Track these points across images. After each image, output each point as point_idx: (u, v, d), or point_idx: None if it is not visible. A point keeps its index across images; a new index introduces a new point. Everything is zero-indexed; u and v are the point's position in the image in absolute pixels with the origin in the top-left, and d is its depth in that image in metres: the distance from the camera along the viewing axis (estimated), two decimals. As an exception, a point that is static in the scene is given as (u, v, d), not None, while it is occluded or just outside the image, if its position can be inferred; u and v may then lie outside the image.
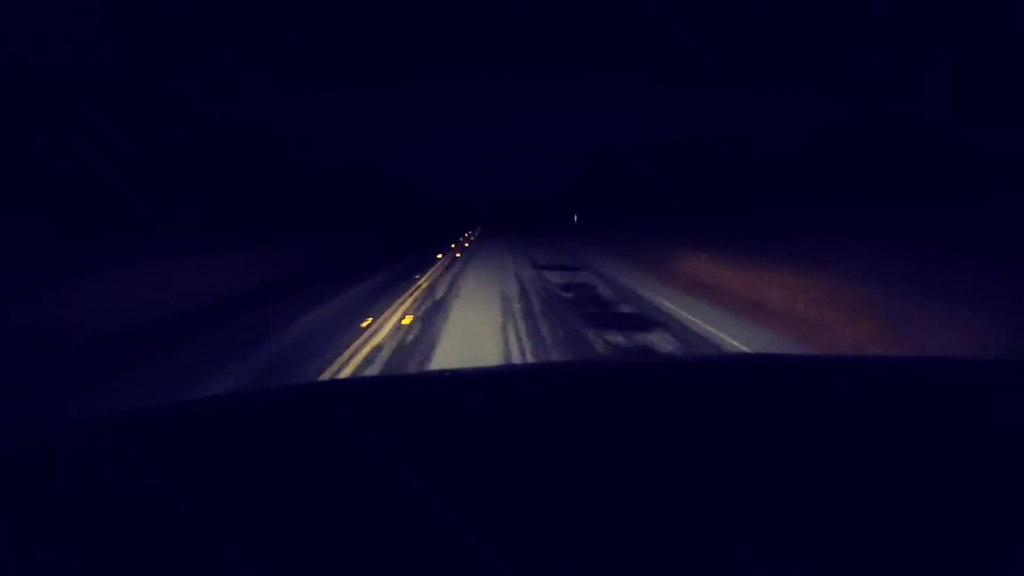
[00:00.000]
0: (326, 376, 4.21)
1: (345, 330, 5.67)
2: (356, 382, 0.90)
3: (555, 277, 10.33)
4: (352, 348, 4.92)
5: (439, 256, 15.40)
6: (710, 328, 5.62)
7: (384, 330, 5.67)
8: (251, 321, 6.42)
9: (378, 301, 7.51)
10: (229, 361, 4.57)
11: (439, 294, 8.23)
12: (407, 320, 6.20)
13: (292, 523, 0.46)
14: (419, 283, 9.40)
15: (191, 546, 0.43)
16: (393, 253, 16.75)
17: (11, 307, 6.16)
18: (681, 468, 0.53)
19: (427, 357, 4.63)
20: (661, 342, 5.14)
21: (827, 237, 8.82)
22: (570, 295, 8.09)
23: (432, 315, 6.48)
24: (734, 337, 5.19)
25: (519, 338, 5.26)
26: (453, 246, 20.65)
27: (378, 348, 4.94)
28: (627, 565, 0.40)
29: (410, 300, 7.67)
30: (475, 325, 5.89)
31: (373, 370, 4.33)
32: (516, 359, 4.58)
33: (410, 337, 5.35)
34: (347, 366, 4.43)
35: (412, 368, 4.36)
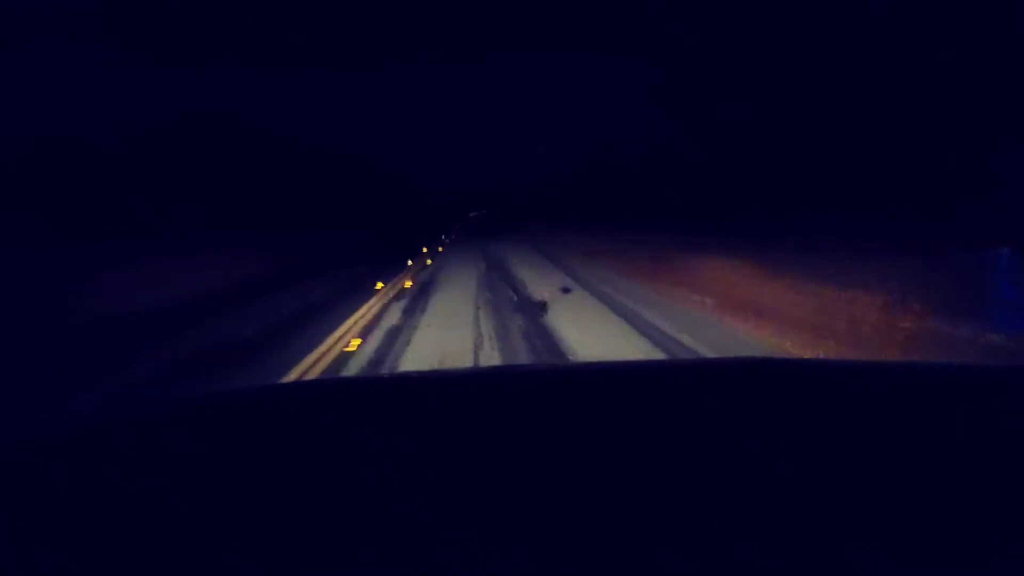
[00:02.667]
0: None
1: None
2: (349, 382, 0.90)
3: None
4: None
5: (409, 262, 12.10)
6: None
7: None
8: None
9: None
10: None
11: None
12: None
13: (283, 521, 0.46)
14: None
15: (184, 544, 0.44)
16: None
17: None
18: (674, 471, 0.54)
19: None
20: None
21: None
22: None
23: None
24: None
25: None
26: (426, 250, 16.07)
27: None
28: (620, 567, 0.40)
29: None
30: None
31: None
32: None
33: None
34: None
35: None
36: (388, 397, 0.84)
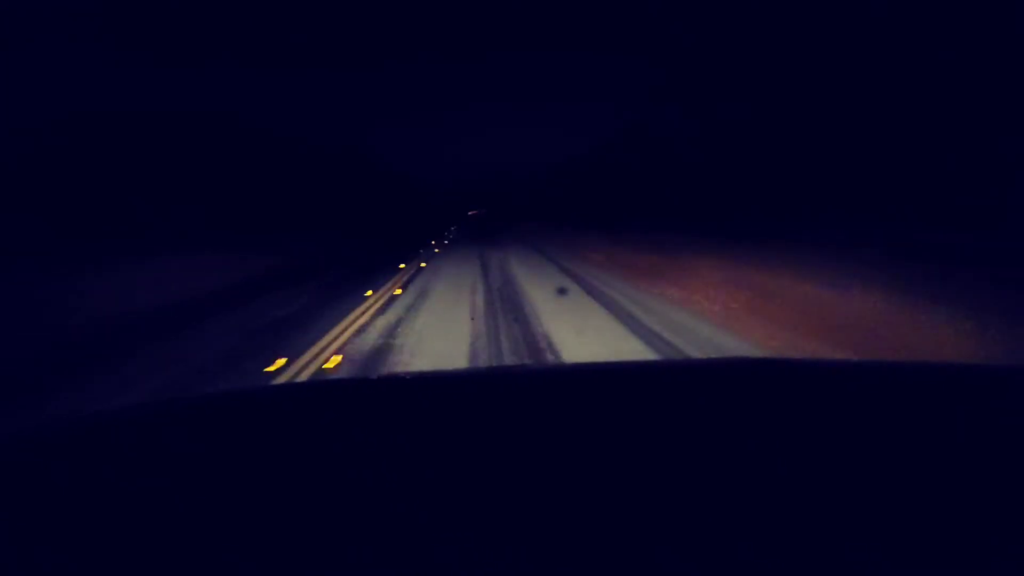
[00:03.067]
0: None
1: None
2: (348, 383, 0.90)
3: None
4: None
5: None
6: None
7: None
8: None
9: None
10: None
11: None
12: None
13: (281, 521, 0.46)
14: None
15: (184, 544, 0.44)
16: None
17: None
18: (672, 471, 0.54)
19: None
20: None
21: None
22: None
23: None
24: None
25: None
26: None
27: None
28: (618, 568, 0.40)
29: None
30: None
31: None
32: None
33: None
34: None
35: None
36: (386, 398, 0.84)
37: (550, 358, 4.38)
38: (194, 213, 14.88)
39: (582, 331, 5.06)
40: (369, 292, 8.04)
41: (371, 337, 5.19)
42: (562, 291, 7.24)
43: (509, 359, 4.55)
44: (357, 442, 0.64)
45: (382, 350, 4.74)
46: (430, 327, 5.57)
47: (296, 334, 5.42)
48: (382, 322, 5.86)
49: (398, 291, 8.18)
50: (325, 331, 5.46)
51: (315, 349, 4.81)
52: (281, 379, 4.10)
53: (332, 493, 0.51)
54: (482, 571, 0.39)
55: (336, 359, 4.52)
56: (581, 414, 0.71)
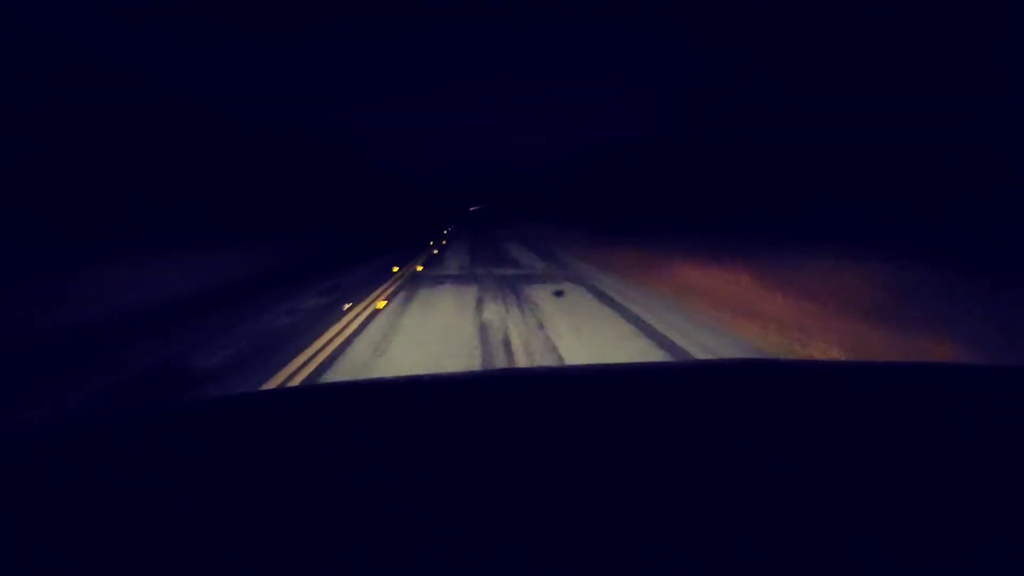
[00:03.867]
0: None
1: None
2: (347, 386, 0.89)
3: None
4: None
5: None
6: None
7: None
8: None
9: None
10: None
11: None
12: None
13: (279, 522, 0.46)
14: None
15: (183, 544, 0.44)
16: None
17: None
18: (672, 472, 0.54)
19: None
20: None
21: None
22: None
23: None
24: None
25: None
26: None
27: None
28: (618, 568, 0.40)
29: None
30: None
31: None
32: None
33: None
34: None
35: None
36: (385, 400, 0.84)
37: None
38: (194, 213, 14.82)
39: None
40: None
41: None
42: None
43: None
44: (354, 446, 0.64)
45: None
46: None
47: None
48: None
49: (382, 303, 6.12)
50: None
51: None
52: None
53: (329, 498, 0.51)
54: (481, 572, 0.39)
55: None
56: (580, 416, 0.71)
